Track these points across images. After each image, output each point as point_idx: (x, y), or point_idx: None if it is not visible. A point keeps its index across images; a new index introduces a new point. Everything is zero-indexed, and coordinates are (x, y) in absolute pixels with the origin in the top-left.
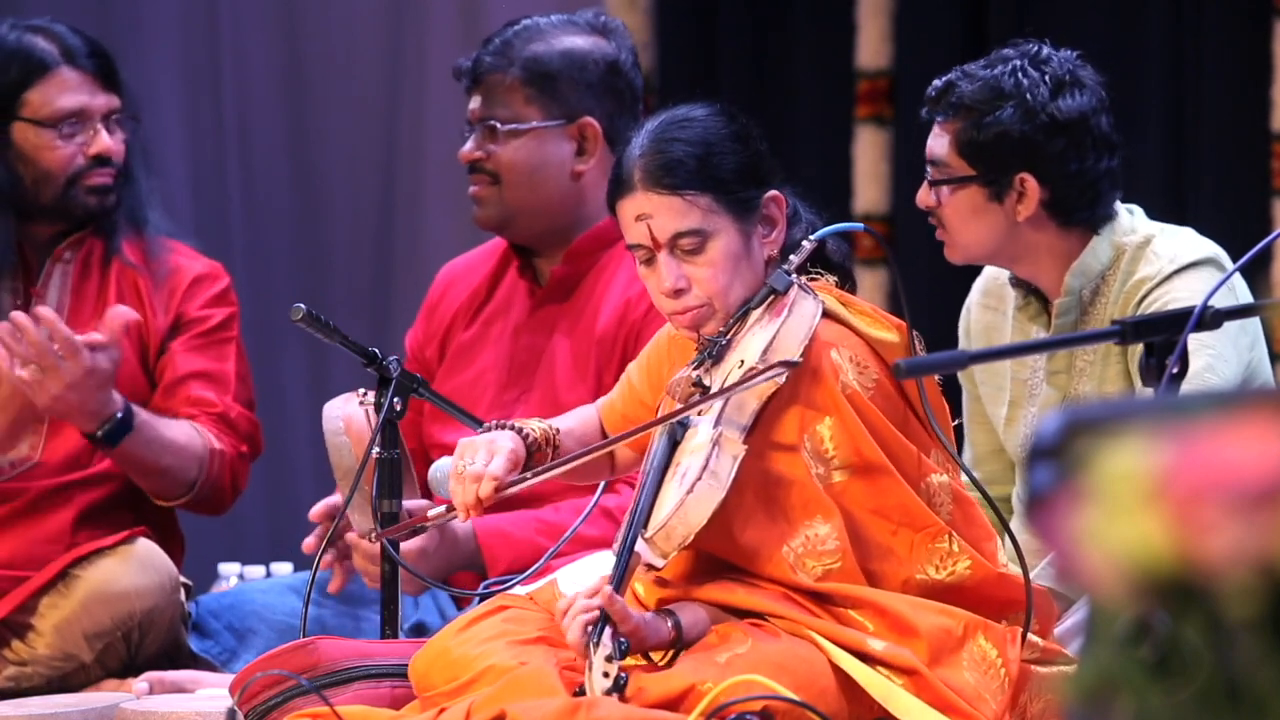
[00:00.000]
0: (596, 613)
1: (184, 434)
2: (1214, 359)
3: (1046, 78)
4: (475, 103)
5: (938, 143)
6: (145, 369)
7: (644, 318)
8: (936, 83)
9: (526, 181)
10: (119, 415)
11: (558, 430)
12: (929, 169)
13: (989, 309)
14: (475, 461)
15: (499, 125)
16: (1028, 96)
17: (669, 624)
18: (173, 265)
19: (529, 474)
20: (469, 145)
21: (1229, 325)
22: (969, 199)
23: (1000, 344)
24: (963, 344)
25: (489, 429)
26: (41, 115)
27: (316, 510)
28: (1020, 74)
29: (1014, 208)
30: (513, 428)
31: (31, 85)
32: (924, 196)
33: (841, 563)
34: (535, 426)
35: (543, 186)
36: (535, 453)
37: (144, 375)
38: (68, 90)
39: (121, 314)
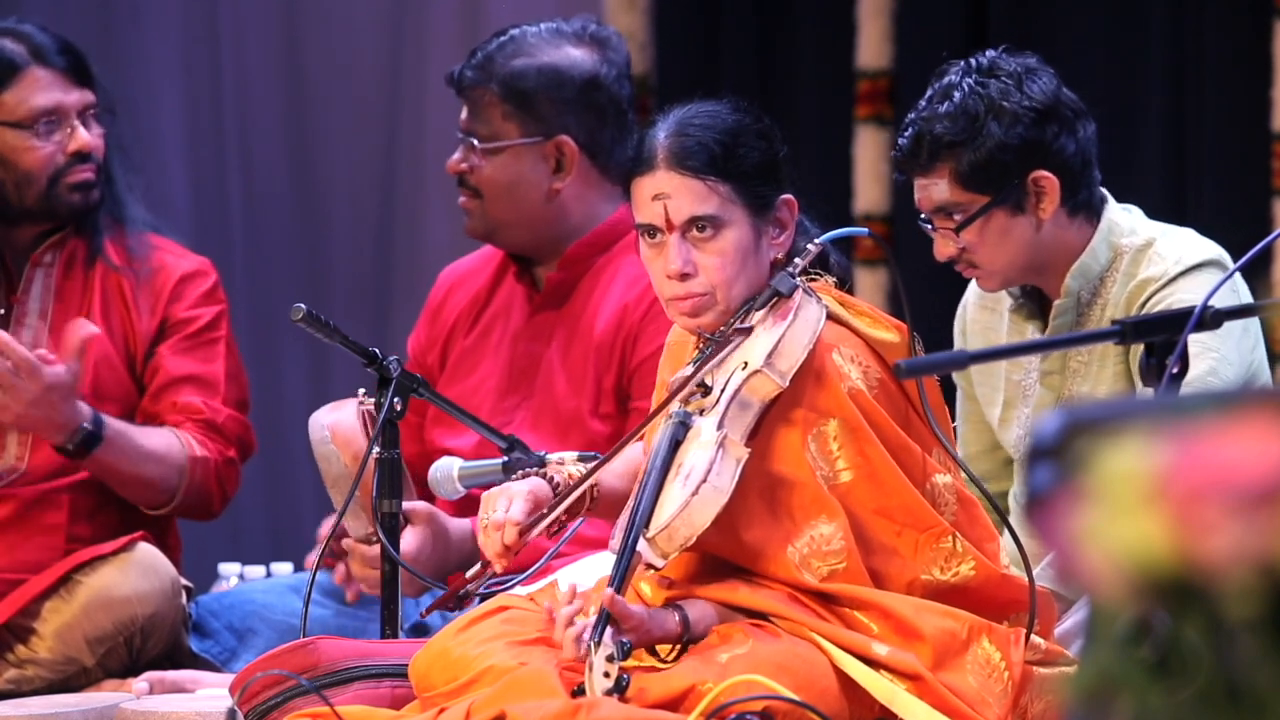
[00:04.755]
0: (585, 625)
1: (163, 442)
2: (1217, 363)
3: (1004, 78)
4: (464, 113)
5: (934, 190)
6: (132, 373)
7: (641, 321)
8: (902, 142)
9: (505, 197)
10: (86, 427)
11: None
12: (934, 220)
13: (986, 309)
14: (496, 511)
15: (477, 142)
16: (1003, 104)
17: (676, 617)
18: (157, 264)
19: (546, 511)
20: (455, 157)
21: (1232, 327)
22: (996, 225)
23: (997, 344)
24: (958, 343)
25: (522, 475)
26: (16, 116)
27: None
28: (980, 89)
29: (1036, 210)
30: (540, 474)
31: (3, 88)
32: (944, 249)
33: (847, 563)
34: (571, 470)
35: (521, 203)
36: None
37: (131, 379)
38: (40, 89)
39: (82, 329)
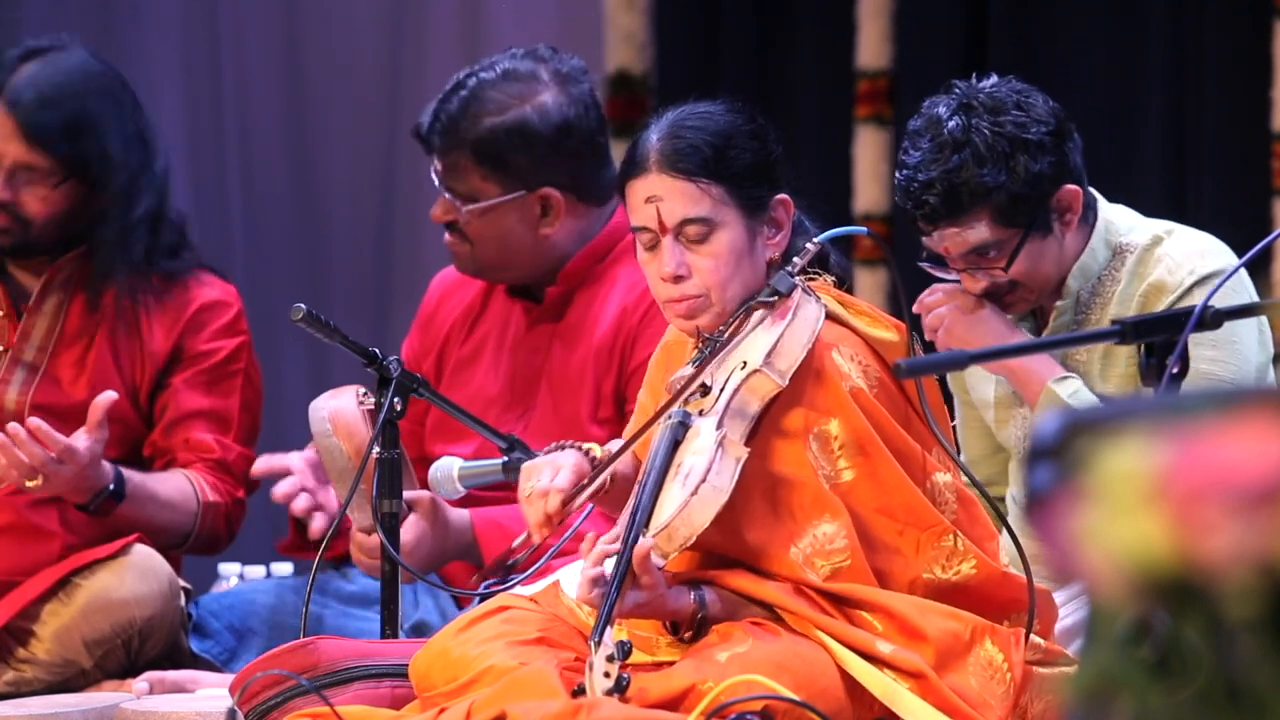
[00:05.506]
0: (605, 569)
1: (178, 490)
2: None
3: (1013, 110)
4: (437, 165)
5: (971, 234)
6: (134, 400)
7: (640, 323)
8: (931, 200)
9: (495, 246)
10: (110, 487)
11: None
12: (963, 262)
13: None
14: (541, 480)
15: (459, 204)
16: (1026, 137)
17: (691, 596)
18: (175, 294)
19: (587, 483)
20: (437, 209)
21: (1249, 340)
22: (1033, 251)
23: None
24: None
25: (554, 449)
26: None
27: (258, 467)
28: (996, 128)
29: (1062, 227)
30: (576, 447)
31: None
32: (977, 285)
33: (851, 560)
34: (597, 447)
35: (511, 250)
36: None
37: (132, 406)
38: None
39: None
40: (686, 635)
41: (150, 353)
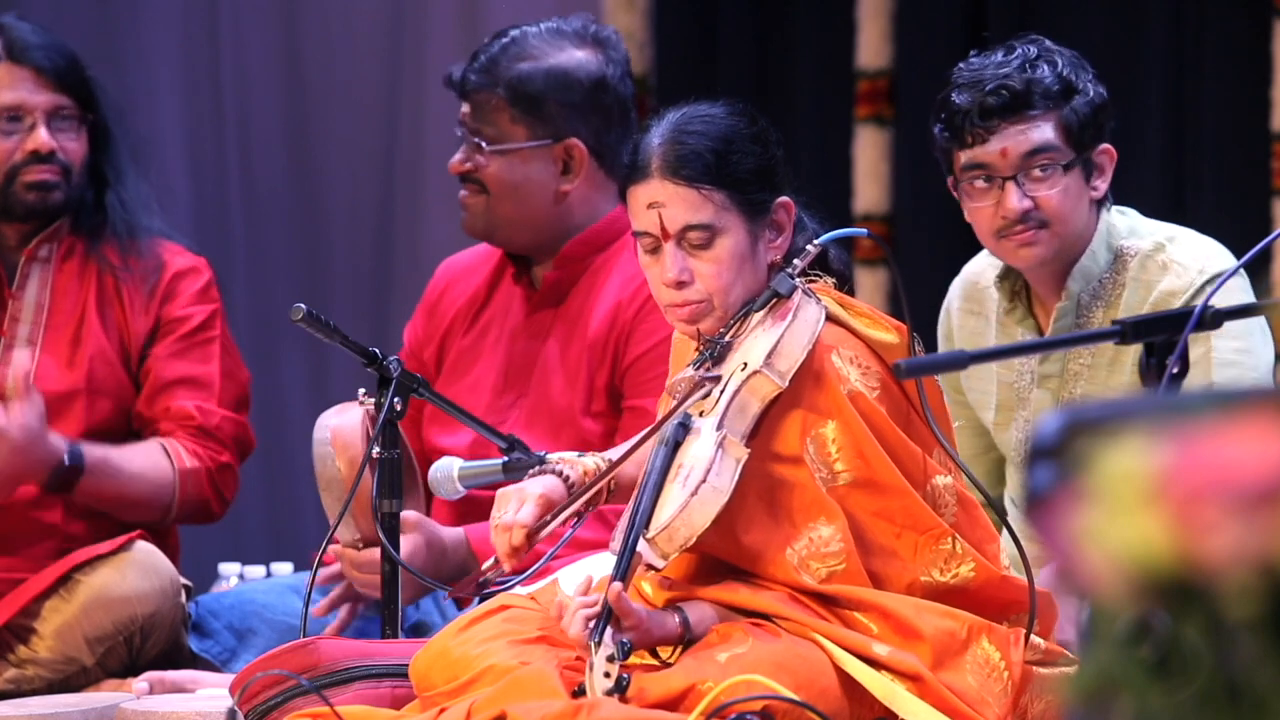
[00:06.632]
0: (598, 607)
1: (149, 461)
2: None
3: (1068, 54)
4: (465, 109)
5: (1036, 133)
6: (128, 369)
7: (635, 318)
8: (1010, 88)
9: (511, 196)
10: (65, 461)
11: (610, 461)
12: (1022, 165)
13: (971, 313)
14: (507, 512)
15: (484, 144)
16: (1086, 68)
17: (676, 619)
18: (153, 263)
19: (550, 518)
20: (458, 157)
21: (1252, 333)
22: (1074, 186)
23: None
24: (943, 348)
25: (535, 472)
26: None
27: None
28: (1061, 56)
29: (1093, 183)
30: (555, 471)
31: None
32: (1019, 203)
33: (846, 564)
34: (587, 464)
35: (527, 203)
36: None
37: (127, 376)
38: (4, 86)
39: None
40: (670, 658)
41: (135, 328)
